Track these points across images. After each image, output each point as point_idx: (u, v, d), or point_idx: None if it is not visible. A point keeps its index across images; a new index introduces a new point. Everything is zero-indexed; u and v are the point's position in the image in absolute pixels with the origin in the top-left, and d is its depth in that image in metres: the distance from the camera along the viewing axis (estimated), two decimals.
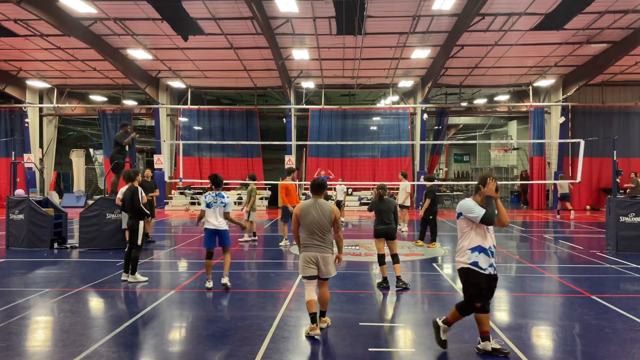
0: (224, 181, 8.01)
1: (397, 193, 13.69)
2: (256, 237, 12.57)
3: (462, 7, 15.01)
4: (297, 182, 14.39)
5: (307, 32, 17.12)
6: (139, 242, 7.90)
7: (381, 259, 7.62)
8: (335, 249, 5.52)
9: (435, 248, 11.26)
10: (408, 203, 14.38)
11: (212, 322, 5.87)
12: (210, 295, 7.08)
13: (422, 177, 14.18)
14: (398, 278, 7.47)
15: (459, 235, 4.75)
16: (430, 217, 11.41)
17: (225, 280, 7.36)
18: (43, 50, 18.87)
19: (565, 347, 5.09)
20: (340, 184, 17.59)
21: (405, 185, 13.99)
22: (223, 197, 7.39)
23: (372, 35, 17.14)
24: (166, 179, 19.68)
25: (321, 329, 5.40)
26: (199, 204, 22.61)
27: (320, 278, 5.43)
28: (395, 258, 7.59)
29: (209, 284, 7.33)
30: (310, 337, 5.23)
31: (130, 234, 7.95)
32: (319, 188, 5.60)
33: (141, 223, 7.89)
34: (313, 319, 5.32)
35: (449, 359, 4.73)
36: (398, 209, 8.09)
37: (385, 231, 7.56)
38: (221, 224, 7.39)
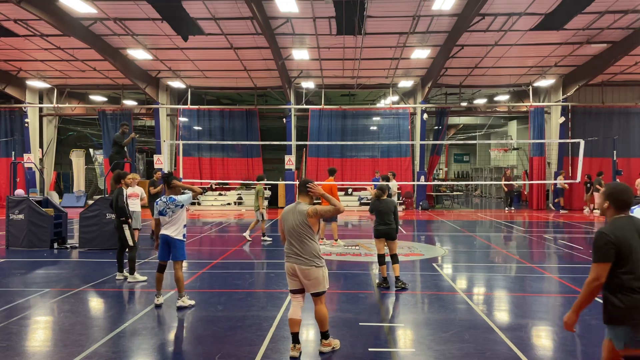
0: (224, 181, 7.97)
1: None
2: (251, 239, 12.53)
3: (462, 7, 15.00)
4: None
5: (307, 32, 17.11)
6: (130, 242, 7.99)
7: (381, 259, 7.64)
8: (319, 261, 4.74)
9: None
10: None
11: (212, 322, 5.88)
12: (210, 296, 7.08)
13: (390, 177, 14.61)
14: (397, 278, 7.50)
15: None
16: None
17: (180, 302, 6.38)
18: (43, 50, 18.85)
19: (565, 347, 5.10)
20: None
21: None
22: (174, 200, 6.41)
23: (372, 35, 17.13)
24: None
25: (322, 353, 4.79)
26: (199, 203, 22.71)
27: (312, 294, 4.79)
28: (394, 258, 7.61)
29: (157, 300, 6.49)
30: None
31: (119, 234, 8.08)
32: (302, 188, 4.87)
33: (125, 225, 8.00)
34: (294, 339, 4.77)
35: (449, 359, 4.73)
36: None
37: (385, 231, 7.58)
38: (177, 233, 6.41)
